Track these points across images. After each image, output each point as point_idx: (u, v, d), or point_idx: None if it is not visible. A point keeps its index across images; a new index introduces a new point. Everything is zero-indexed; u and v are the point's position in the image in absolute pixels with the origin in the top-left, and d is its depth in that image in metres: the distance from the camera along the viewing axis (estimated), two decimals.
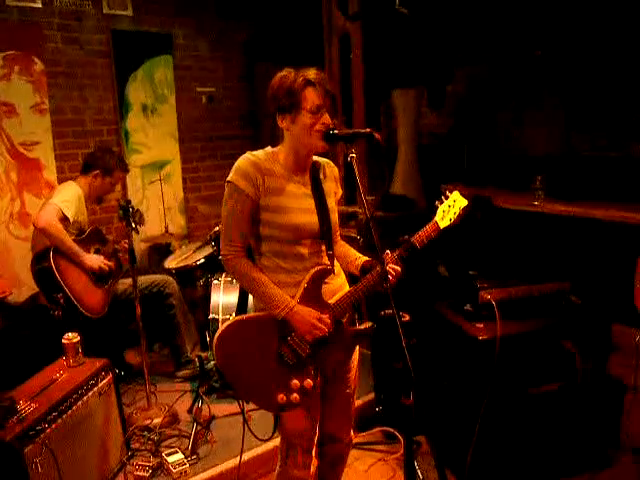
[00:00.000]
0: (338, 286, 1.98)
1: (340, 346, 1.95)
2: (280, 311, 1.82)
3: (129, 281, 3.19)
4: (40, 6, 3.90)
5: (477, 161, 3.71)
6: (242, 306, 3.27)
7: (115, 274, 3.36)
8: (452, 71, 3.86)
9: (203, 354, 3.41)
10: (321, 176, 1.98)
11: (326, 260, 1.95)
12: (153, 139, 4.57)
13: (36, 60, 3.91)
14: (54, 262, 2.99)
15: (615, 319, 2.63)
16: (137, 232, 3.17)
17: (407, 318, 1.83)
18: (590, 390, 2.65)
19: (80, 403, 2.43)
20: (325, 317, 1.85)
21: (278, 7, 4.75)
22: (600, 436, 2.65)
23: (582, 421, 2.64)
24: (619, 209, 2.62)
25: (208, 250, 3.75)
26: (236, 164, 1.85)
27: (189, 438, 2.81)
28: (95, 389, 2.54)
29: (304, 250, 1.89)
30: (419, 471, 2.60)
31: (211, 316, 3.35)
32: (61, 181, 3.88)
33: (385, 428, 3.06)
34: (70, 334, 2.61)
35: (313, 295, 1.89)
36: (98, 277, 3.22)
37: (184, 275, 3.79)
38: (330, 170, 2.04)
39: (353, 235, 3.73)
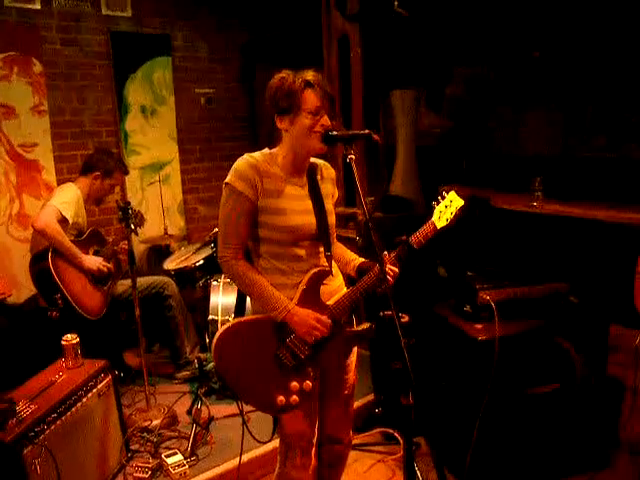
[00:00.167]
0: (336, 287, 1.99)
1: (338, 347, 1.95)
2: (279, 313, 1.82)
3: (128, 282, 3.19)
4: (39, 7, 3.90)
5: (476, 162, 3.71)
6: (240, 308, 3.26)
7: (114, 275, 3.36)
8: (451, 72, 3.87)
9: (202, 355, 3.41)
10: (318, 177, 1.98)
11: (324, 261, 1.95)
12: (152, 140, 4.57)
13: (35, 61, 3.91)
14: (52, 263, 2.99)
15: (614, 320, 2.63)
16: (136, 234, 3.18)
17: (406, 319, 1.83)
18: (589, 390, 2.66)
19: (79, 404, 2.42)
20: (324, 318, 1.85)
21: (277, 8, 4.76)
22: (599, 436, 2.65)
23: (581, 421, 2.64)
24: (617, 210, 2.62)
25: (207, 251, 3.75)
26: (234, 166, 1.85)
27: (188, 439, 2.81)
28: (94, 390, 2.54)
29: (302, 252, 1.89)
30: (419, 472, 2.60)
31: (210, 317, 3.36)
32: (60, 182, 3.87)
33: (384, 429, 3.06)
34: (69, 335, 2.60)
35: (311, 297, 1.89)
36: (97, 278, 3.21)
37: (183, 276, 3.79)
38: (327, 172, 2.04)
39: (352, 236, 3.73)
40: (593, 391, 2.66)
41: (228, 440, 2.85)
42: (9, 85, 3.81)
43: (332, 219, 1.99)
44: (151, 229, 4.37)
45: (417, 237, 1.94)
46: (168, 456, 2.67)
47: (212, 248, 3.62)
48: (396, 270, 1.89)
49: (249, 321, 1.91)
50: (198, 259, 3.71)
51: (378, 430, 3.07)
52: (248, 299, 2.84)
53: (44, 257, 3.00)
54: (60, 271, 3.01)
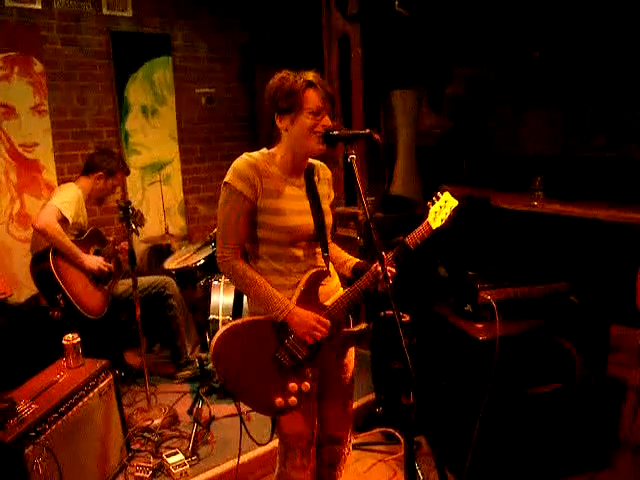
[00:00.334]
0: (333, 288, 1.99)
1: (336, 348, 1.95)
2: (279, 313, 1.82)
3: (129, 282, 3.19)
4: (40, 7, 3.91)
5: (476, 162, 3.71)
6: (238, 309, 3.28)
7: (115, 275, 3.36)
8: (451, 72, 3.87)
9: (203, 355, 3.42)
10: (315, 178, 1.98)
11: (322, 262, 1.95)
12: (153, 140, 4.57)
13: (36, 61, 3.91)
14: (53, 263, 2.99)
15: (614, 319, 2.63)
16: (137, 234, 3.18)
17: (407, 319, 1.83)
18: (589, 390, 2.66)
19: (80, 404, 2.43)
20: (324, 319, 1.86)
21: (277, 8, 4.75)
22: (599, 436, 2.65)
23: (581, 421, 2.64)
24: (618, 209, 2.62)
25: (208, 251, 3.75)
26: (233, 165, 1.85)
27: (189, 439, 2.81)
28: (95, 390, 2.54)
29: (300, 252, 1.89)
30: (420, 472, 2.60)
31: (211, 317, 3.36)
32: (61, 182, 3.88)
33: (385, 429, 3.06)
34: (70, 335, 2.61)
35: (310, 297, 1.89)
36: (98, 278, 3.22)
37: (184, 276, 3.79)
38: (324, 173, 2.04)
39: (353, 236, 3.73)
40: (593, 391, 2.66)
41: (229, 440, 2.85)
42: (9, 85, 3.81)
43: (329, 220, 1.99)
44: (152, 229, 4.37)
45: (413, 238, 1.96)
46: (169, 456, 2.67)
47: (213, 248, 3.62)
48: (393, 271, 1.89)
49: (248, 322, 1.90)
50: (199, 259, 3.72)
51: (379, 430, 3.07)
52: (245, 300, 2.84)
53: (45, 257, 3.00)
54: (61, 271, 3.01)
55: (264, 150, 1.92)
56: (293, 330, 1.85)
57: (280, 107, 1.81)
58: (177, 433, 2.95)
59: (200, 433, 2.88)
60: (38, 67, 3.93)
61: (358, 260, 2.06)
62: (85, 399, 2.46)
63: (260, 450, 2.72)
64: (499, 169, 3.53)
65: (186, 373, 3.58)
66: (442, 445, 2.71)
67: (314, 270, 1.91)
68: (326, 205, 1.99)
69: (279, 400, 1.84)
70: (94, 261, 3.20)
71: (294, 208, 1.87)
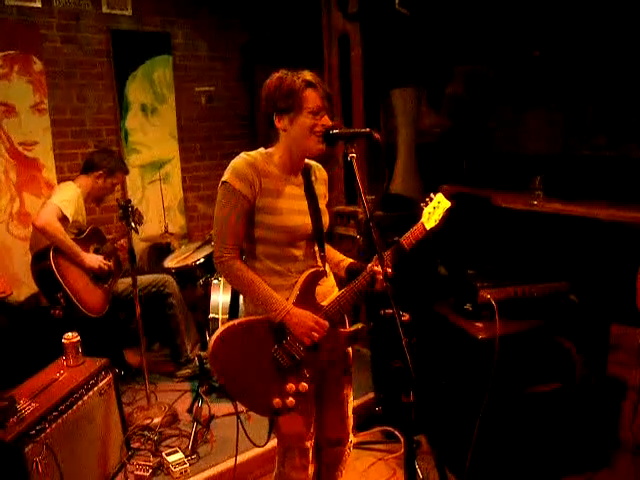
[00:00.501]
0: (329, 288, 2.00)
1: (332, 348, 1.95)
2: (278, 314, 1.82)
3: (129, 280, 3.19)
4: (39, 6, 3.90)
5: (476, 161, 3.71)
6: (234, 309, 3.28)
7: (115, 273, 3.36)
8: (451, 71, 3.87)
9: (203, 353, 3.40)
10: (313, 178, 1.98)
11: (319, 262, 1.96)
12: (152, 139, 4.57)
13: (35, 60, 3.91)
14: (54, 262, 2.99)
15: (614, 319, 2.63)
16: (137, 232, 3.17)
17: (407, 318, 1.83)
18: (589, 390, 2.66)
19: (80, 403, 2.43)
20: (322, 320, 1.86)
21: (277, 8, 4.75)
22: (599, 436, 2.65)
23: (581, 420, 2.64)
24: (618, 209, 2.62)
25: (208, 250, 3.75)
26: (232, 165, 1.83)
27: (189, 437, 2.81)
28: (95, 389, 2.55)
29: (298, 252, 1.89)
30: (419, 470, 2.61)
31: (211, 315, 3.36)
32: (60, 181, 3.87)
33: (385, 428, 3.07)
34: (70, 334, 2.61)
35: (307, 297, 1.89)
36: (98, 277, 3.22)
37: (184, 275, 3.79)
38: (320, 173, 2.04)
39: (353, 235, 3.73)
40: (593, 391, 2.66)
41: (229, 438, 2.84)
42: (9, 83, 3.81)
43: (326, 220, 1.99)
44: (152, 227, 4.37)
45: (408, 238, 1.98)
46: (169, 454, 2.67)
47: (212, 246, 3.61)
48: (389, 271, 1.89)
49: (245, 322, 1.89)
50: (199, 257, 3.72)
51: (378, 428, 3.08)
52: (241, 299, 2.85)
53: (45, 256, 3.00)
54: (62, 269, 3.01)
55: (262, 150, 1.91)
56: (291, 331, 1.84)
57: (279, 107, 1.80)
58: (177, 432, 2.95)
59: (200, 432, 2.88)
60: (38, 66, 3.92)
61: (352, 260, 2.07)
62: (85, 398, 2.46)
63: (259, 449, 2.72)
64: (499, 168, 3.53)
65: (186, 372, 3.58)
66: (442, 444, 2.71)
67: (311, 270, 1.91)
68: (323, 205, 1.99)
69: (277, 401, 1.84)
70: (94, 259, 3.20)
71: (293, 207, 1.87)
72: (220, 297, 3.40)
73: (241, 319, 1.90)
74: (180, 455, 2.67)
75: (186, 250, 4.00)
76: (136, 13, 4.36)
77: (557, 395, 2.62)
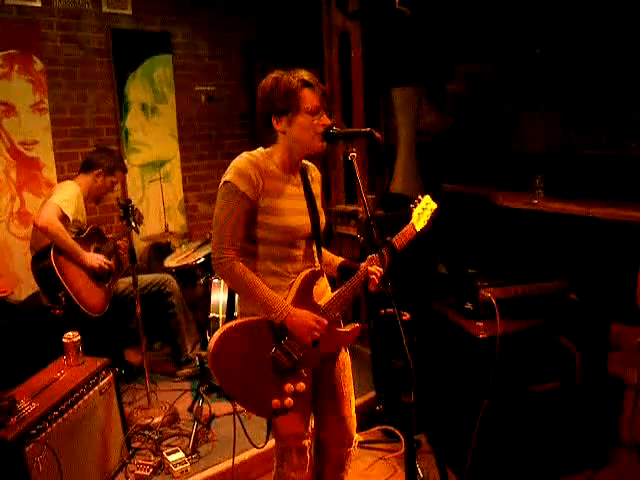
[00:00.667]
0: (323, 287, 2.00)
1: (329, 347, 1.95)
2: (279, 315, 1.81)
3: (129, 280, 3.19)
4: (39, 5, 3.89)
5: (477, 160, 3.71)
6: (231, 308, 3.29)
7: (115, 273, 3.36)
8: (452, 70, 3.86)
9: (203, 353, 3.41)
10: (309, 178, 1.99)
11: (317, 262, 1.96)
12: (153, 138, 4.56)
13: (35, 59, 3.91)
14: (55, 261, 2.99)
15: (614, 318, 2.63)
16: (137, 232, 3.18)
17: (407, 317, 1.84)
18: (589, 388, 2.66)
19: (81, 402, 2.43)
20: (322, 319, 1.86)
21: (277, 7, 4.75)
22: (599, 434, 2.66)
23: (581, 419, 2.64)
24: (618, 208, 2.62)
25: (208, 249, 3.75)
26: (234, 165, 1.82)
27: (190, 437, 2.81)
28: (96, 388, 2.55)
29: (298, 252, 1.89)
30: (420, 470, 2.61)
31: (211, 315, 3.36)
32: (61, 180, 3.87)
33: (385, 427, 3.07)
34: (70, 333, 2.61)
35: (305, 298, 1.89)
36: (98, 276, 3.22)
37: (184, 274, 3.79)
38: (315, 173, 2.04)
39: (353, 234, 3.73)
40: (593, 389, 2.66)
41: (229, 438, 2.82)
42: (9, 83, 3.80)
43: (323, 219, 1.99)
44: (152, 227, 4.37)
45: (400, 239, 2.03)
46: (169, 454, 2.67)
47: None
48: (382, 270, 1.89)
49: (245, 324, 1.86)
50: (199, 257, 3.72)
51: (379, 428, 3.08)
52: (236, 299, 2.84)
53: (46, 255, 3.00)
54: (62, 268, 3.01)
55: (262, 149, 1.90)
56: (292, 331, 1.84)
57: (277, 108, 1.79)
58: (177, 431, 2.95)
59: (200, 431, 2.88)
60: (38, 65, 3.92)
61: (343, 259, 2.09)
62: (85, 397, 2.46)
63: (259, 449, 2.72)
64: (499, 167, 3.53)
65: (186, 371, 3.58)
66: (442, 443, 2.71)
67: (309, 270, 1.91)
68: (319, 205, 2.00)
69: (275, 402, 1.84)
70: (95, 259, 3.19)
71: (294, 208, 1.87)
72: (220, 296, 3.40)
73: (240, 320, 1.88)
74: (181, 454, 2.67)
75: (186, 249, 4.00)
76: (136, 12, 4.36)
77: (557, 394, 2.62)
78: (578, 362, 2.65)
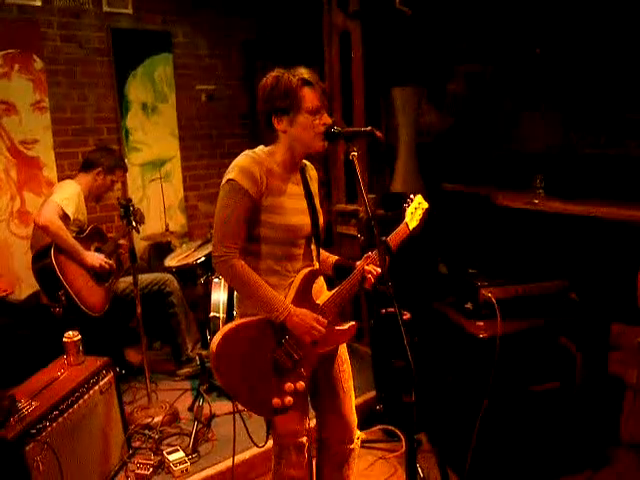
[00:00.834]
0: (320, 286, 2.00)
1: (327, 346, 1.95)
2: (280, 314, 1.80)
3: (129, 279, 3.19)
4: (40, 4, 3.89)
5: (477, 159, 3.71)
6: (231, 307, 3.28)
7: (116, 272, 3.36)
8: (452, 69, 3.86)
9: (204, 352, 3.41)
10: (308, 177, 1.99)
11: (315, 261, 1.96)
12: (153, 137, 4.56)
13: (36, 58, 3.91)
14: (55, 260, 2.98)
15: (615, 318, 2.63)
16: (137, 231, 3.17)
17: (408, 316, 1.84)
18: (590, 388, 2.66)
19: (81, 401, 2.43)
20: (321, 318, 1.86)
21: (278, 5, 4.75)
22: (600, 434, 2.66)
23: (582, 419, 2.64)
24: (618, 207, 2.62)
25: (208, 248, 3.74)
26: (237, 163, 1.81)
27: (190, 436, 2.81)
28: (96, 387, 2.55)
29: (298, 251, 1.90)
30: (420, 469, 2.61)
31: (212, 314, 3.36)
32: (61, 179, 3.87)
33: (385, 426, 3.07)
34: (71, 332, 2.61)
35: (304, 297, 1.89)
36: (99, 275, 3.22)
37: (185, 273, 3.79)
38: (312, 173, 2.05)
39: (354, 233, 3.73)
40: (593, 389, 2.67)
41: (230, 437, 2.82)
42: (10, 82, 3.80)
43: (321, 218, 1.99)
44: (152, 226, 4.37)
45: (394, 238, 2.04)
46: (170, 453, 2.67)
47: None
48: (378, 270, 1.91)
49: (246, 324, 1.86)
50: (199, 256, 3.72)
51: (379, 427, 3.08)
52: (235, 298, 2.83)
53: (46, 254, 3.00)
54: (63, 268, 3.01)
55: (263, 147, 1.90)
56: (292, 330, 1.84)
57: (277, 107, 1.79)
58: (178, 430, 2.95)
59: (201, 430, 2.88)
60: (38, 64, 3.92)
61: (337, 257, 2.09)
62: (86, 397, 2.46)
63: (259, 448, 2.72)
64: (500, 167, 3.53)
65: (187, 370, 3.58)
66: (443, 442, 2.71)
67: (309, 269, 1.91)
68: (318, 204, 2.00)
69: (276, 401, 1.84)
70: (95, 258, 3.19)
71: (296, 207, 1.87)
72: (221, 296, 3.40)
73: (241, 320, 1.88)
74: (181, 454, 2.67)
75: (187, 249, 4.00)
76: (136, 11, 4.35)
77: (557, 394, 2.62)
78: (578, 362, 2.65)
